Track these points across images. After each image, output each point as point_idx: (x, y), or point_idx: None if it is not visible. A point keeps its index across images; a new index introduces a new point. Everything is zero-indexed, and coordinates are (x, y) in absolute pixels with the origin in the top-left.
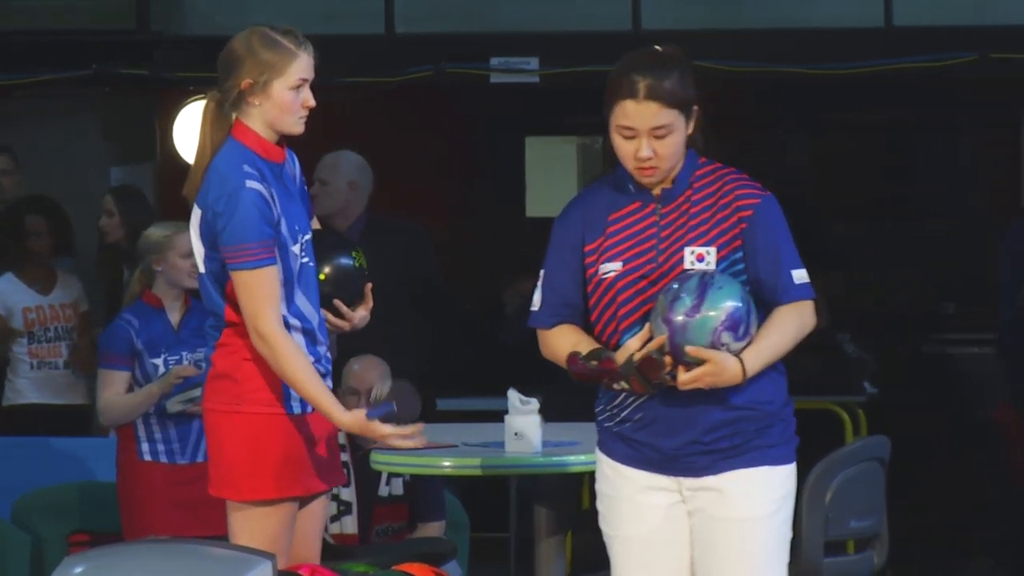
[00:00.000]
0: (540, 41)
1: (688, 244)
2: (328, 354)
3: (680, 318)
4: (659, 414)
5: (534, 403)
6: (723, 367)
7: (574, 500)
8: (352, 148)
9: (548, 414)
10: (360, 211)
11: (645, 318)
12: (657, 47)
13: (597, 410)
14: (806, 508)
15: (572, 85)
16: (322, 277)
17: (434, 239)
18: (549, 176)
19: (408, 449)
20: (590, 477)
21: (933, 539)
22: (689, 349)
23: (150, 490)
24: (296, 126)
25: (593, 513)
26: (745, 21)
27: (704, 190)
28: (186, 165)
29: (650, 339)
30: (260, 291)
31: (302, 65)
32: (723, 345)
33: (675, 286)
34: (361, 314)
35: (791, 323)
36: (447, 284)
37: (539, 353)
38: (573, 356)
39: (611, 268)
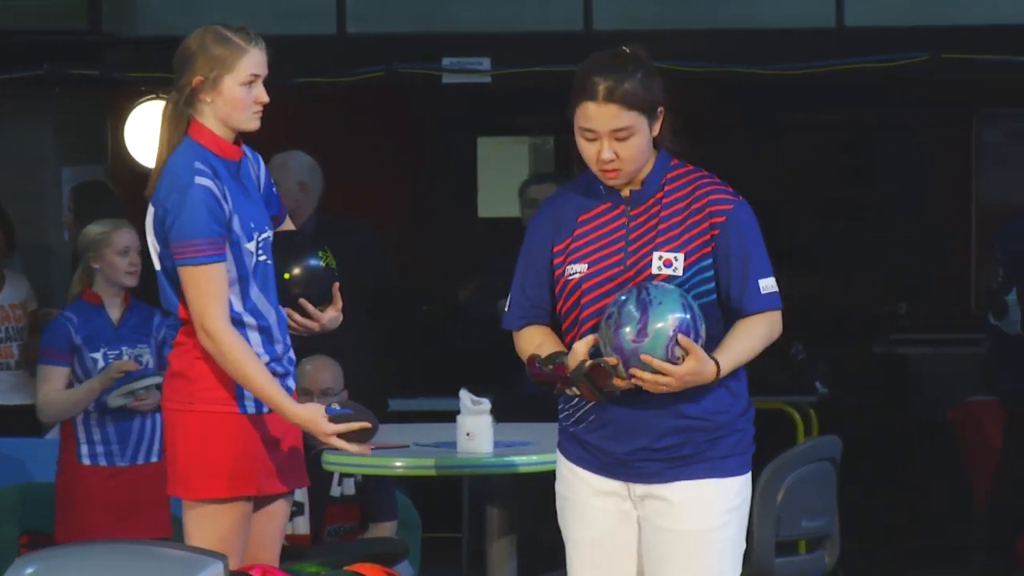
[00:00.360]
0: (492, 41)
1: (656, 248)
2: (291, 354)
3: (629, 345)
4: (611, 418)
5: (486, 403)
6: (701, 367)
7: (530, 499)
8: (303, 148)
9: (500, 414)
10: (310, 212)
11: None
12: (625, 48)
13: (559, 408)
14: (758, 508)
15: (524, 85)
16: (287, 277)
17: (386, 240)
18: (501, 176)
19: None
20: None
21: (885, 539)
22: (652, 361)
23: (86, 494)
24: (249, 122)
25: (543, 514)
26: (698, 21)
27: (676, 193)
28: (138, 166)
29: (597, 346)
30: (207, 287)
31: (252, 61)
32: (678, 358)
33: (613, 311)
34: (330, 315)
35: (760, 330)
36: (400, 285)
37: (492, 353)
38: (532, 359)
39: (577, 269)
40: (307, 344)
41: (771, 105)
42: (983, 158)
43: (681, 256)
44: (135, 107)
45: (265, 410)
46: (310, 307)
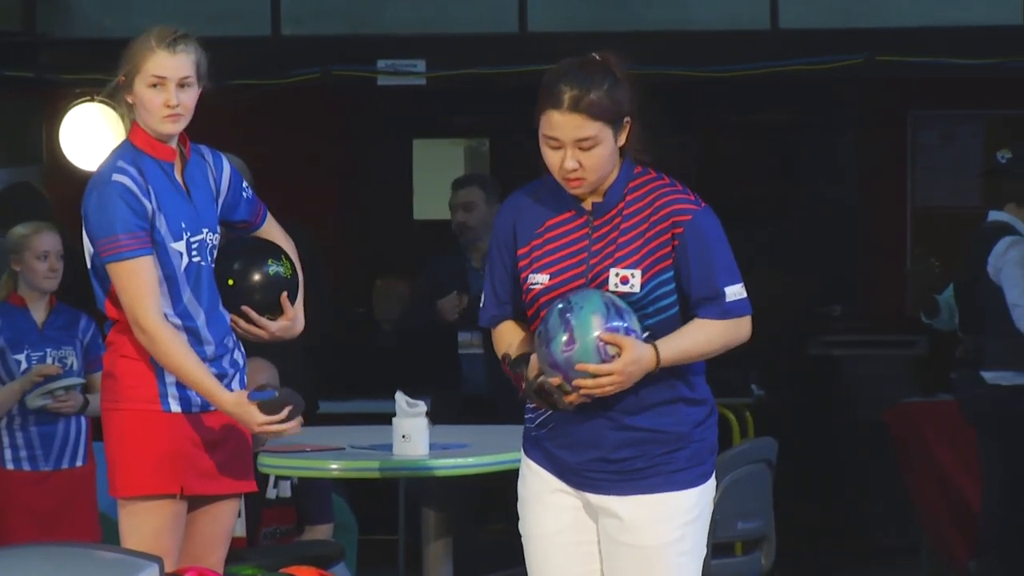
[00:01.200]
0: (427, 43)
1: (614, 265)
2: (234, 357)
3: (562, 357)
4: (568, 427)
5: (421, 405)
6: (638, 353)
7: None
8: (238, 151)
9: (436, 416)
10: None
11: None
12: (595, 55)
13: (525, 409)
14: None
15: (459, 87)
16: (230, 283)
17: (321, 243)
18: (437, 179)
19: (292, 452)
20: (478, 480)
21: (820, 540)
22: (588, 367)
23: (11, 499)
24: (160, 125)
25: (481, 516)
26: (632, 23)
27: (637, 203)
28: (73, 168)
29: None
30: (135, 281)
31: (158, 63)
32: (612, 356)
33: (542, 328)
34: (281, 324)
35: (715, 329)
36: (335, 288)
37: (424, 355)
38: (503, 358)
39: (539, 280)
40: (245, 347)
41: (701, 106)
42: (918, 160)
43: (638, 272)
44: (70, 109)
45: (194, 410)
46: (253, 314)
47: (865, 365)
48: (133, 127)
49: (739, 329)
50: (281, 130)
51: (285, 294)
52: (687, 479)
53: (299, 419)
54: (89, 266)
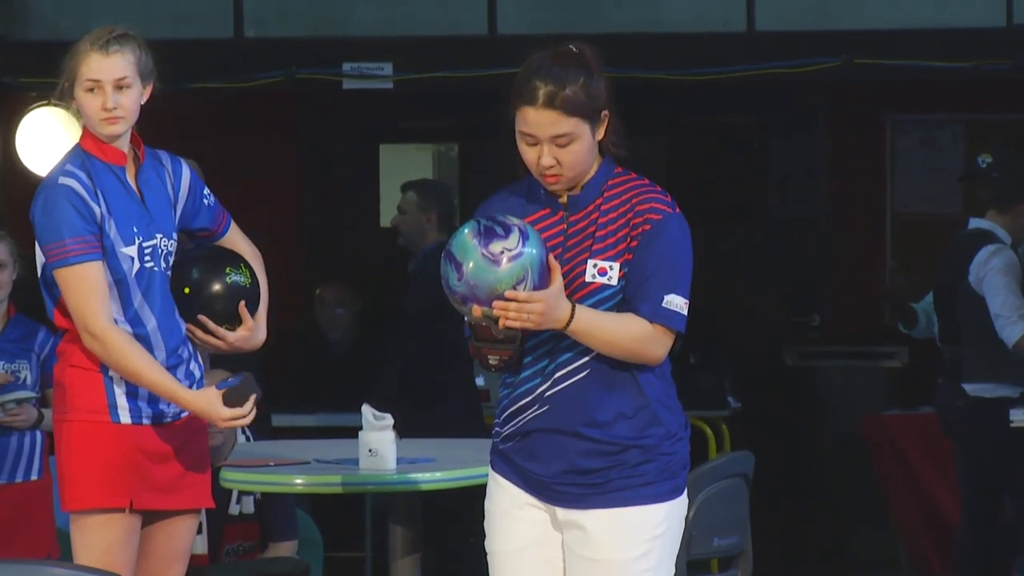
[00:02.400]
0: (394, 46)
1: (592, 256)
2: (191, 367)
3: (463, 285)
4: (534, 440)
5: (388, 419)
6: (559, 293)
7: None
8: (198, 156)
9: (403, 430)
10: None
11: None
12: (571, 47)
13: (495, 424)
14: None
15: (427, 91)
16: (186, 291)
17: (285, 251)
18: None
19: (255, 466)
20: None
21: (798, 554)
22: (509, 293)
23: None
24: (100, 128)
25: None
26: (603, 25)
27: (614, 200)
28: (29, 174)
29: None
30: (82, 287)
31: (92, 66)
32: (501, 251)
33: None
34: (239, 334)
35: (640, 329)
36: (297, 297)
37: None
38: (468, 340)
39: None
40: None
41: (671, 110)
42: (897, 165)
43: (616, 265)
44: (26, 113)
45: (145, 421)
46: (210, 324)
47: (843, 376)
48: (83, 131)
49: (659, 340)
50: (243, 135)
51: (243, 303)
52: (655, 493)
53: (253, 397)
54: (39, 275)
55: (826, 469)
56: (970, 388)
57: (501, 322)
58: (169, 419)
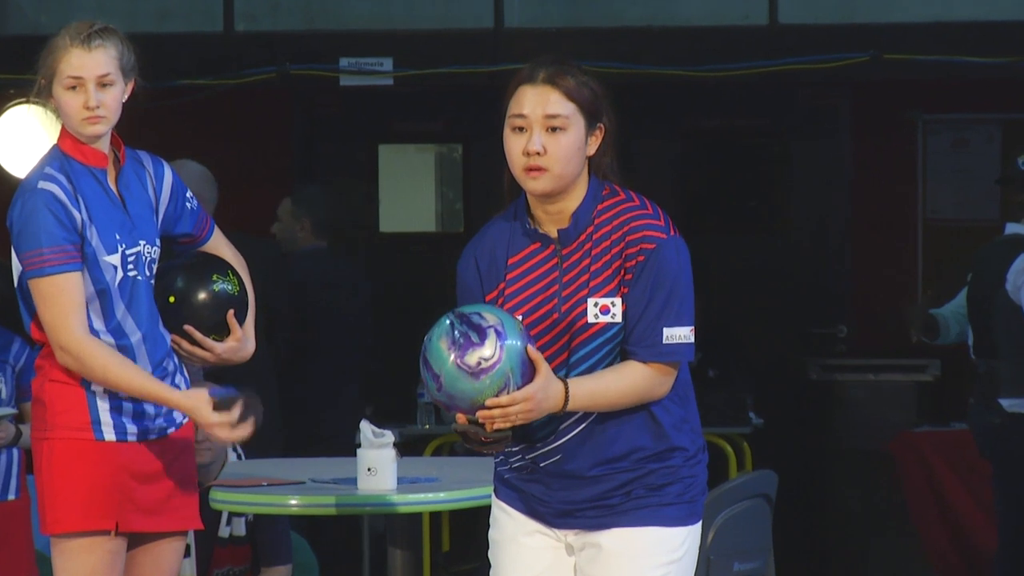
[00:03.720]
0: (394, 40)
1: (591, 294)
2: (177, 380)
3: (442, 395)
4: (545, 477)
5: (389, 435)
6: (547, 383)
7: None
8: (187, 155)
9: (405, 448)
10: None
11: None
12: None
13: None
14: None
15: (430, 88)
16: (171, 300)
17: (279, 258)
18: (405, 188)
19: (247, 486)
20: (451, 516)
21: None
22: (490, 402)
23: None
24: (81, 128)
25: (452, 556)
26: (616, 18)
27: (605, 227)
28: (7, 175)
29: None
30: (57, 299)
31: (72, 62)
32: (477, 363)
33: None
34: (228, 345)
35: (641, 377)
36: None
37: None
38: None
39: None
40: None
41: (687, 109)
42: (929, 168)
43: (618, 301)
44: (4, 111)
45: (131, 439)
46: (197, 334)
47: (870, 391)
48: (61, 131)
49: (663, 378)
50: (234, 134)
51: (232, 312)
52: (675, 515)
53: (250, 422)
54: (15, 284)
55: (852, 489)
56: (1007, 404)
57: (488, 426)
58: (155, 436)
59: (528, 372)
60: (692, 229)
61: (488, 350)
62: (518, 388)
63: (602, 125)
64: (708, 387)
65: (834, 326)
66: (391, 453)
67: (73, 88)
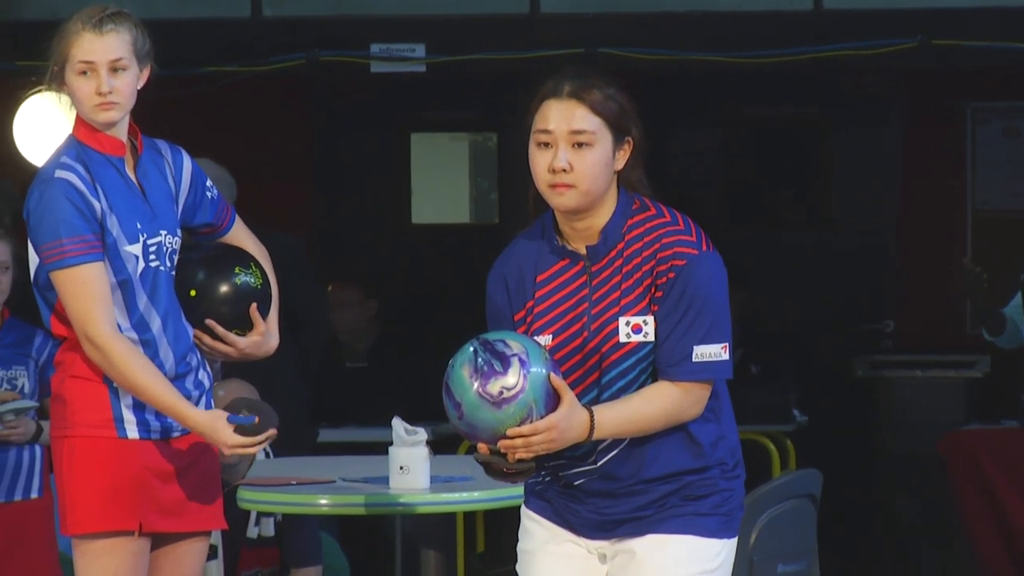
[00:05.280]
0: (426, 26)
1: (622, 313)
2: (199, 377)
3: (464, 427)
4: (581, 494)
5: (422, 433)
6: (571, 413)
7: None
8: (211, 145)
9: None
10: None
11: (577, 395)
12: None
13: None
14: None
15: (463, 75)
16: (192, 294)
17: (307, 251)
18: (438, 178)
19: (276, 485)
20: (485, 516)
21: None
22: (512, 432)
23: None
24: (94, 115)
25: (487, 558)
26: (655, 3)
27: (636, 244)
28: (28, 165)
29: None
30: (82, 291)
31: (84, 46)
32: (500, 393)
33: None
34: (252, 339)
35: (665, 399)
36: (319, 303)
37: (426, 380)
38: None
39: (542, 342)
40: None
41: (728, 98)
42: (979, 158)
43: (650, 319)
44: (24, 99)
45: (154, 436)
46: (219, 329)
47: (918, 388)
48: (76, 119)
49: (694, 397)
50: (261, 123)
51: (255, 306)
52: (711, 526)
53: (270, 432)
54: (32, 277)
55: (900, 489)
56: None
57: (510, 456)
58: (178, 434)
59: (552, 401)
60: (735, 222)
61: (511, 379)
62: (541, 418)
63: (630, 139)
64: (751, 384)
65: (880, 321)
66: (424, 451)
67: (84, 73)
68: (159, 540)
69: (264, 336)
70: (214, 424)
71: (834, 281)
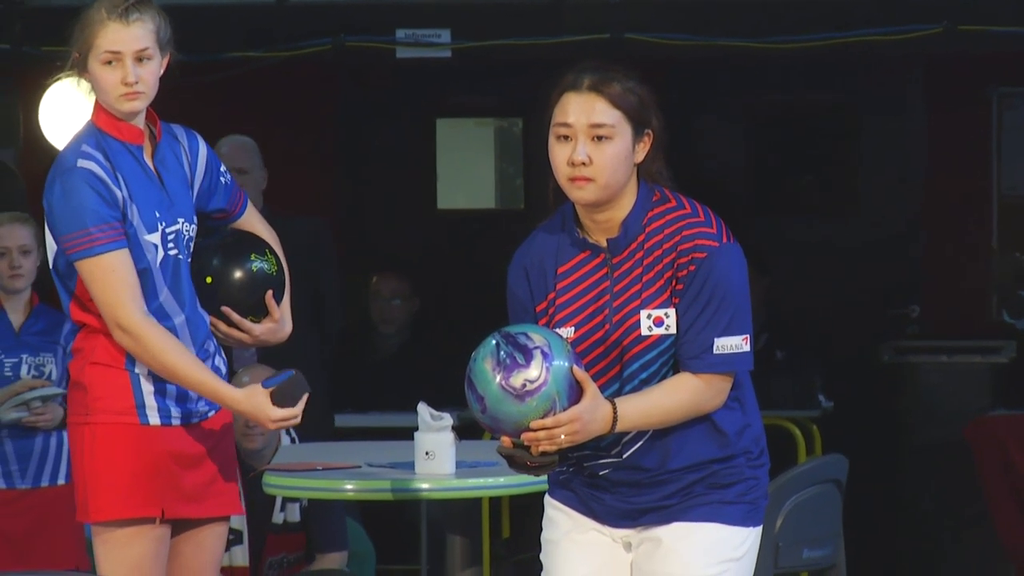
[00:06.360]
0: (452, 11)
1: (643, 306)
2: (216, 363)
3: (487, 420)
4: (605, 484)
5: (447, 418)
6: (594, 405)
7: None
8: (237, 130)
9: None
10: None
11: (600, 388)
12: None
13: None
14: None
15: (489, 61)
16: (208, 281)
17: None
18: (463, 163)
19: (301, 471)
20: (511, 501)
21: (895, 570)
22: (535, 424)
23: None
24: (119, 104)
25: (513, 543)
26: None
27: (656, 236)
28: (54, 151)
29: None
30: (110, 279)
31: (110, 36)
32: (523, 385)
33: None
34: (266, 326)
35: (686, 391)
36: (342, 288)
37: (451, 365)
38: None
39: (563, 335)
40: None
41: (751, 84)
42: (1005, 144)
43: (671, 311)
44: (50, 85)
45: (174, 423)
46: (235, 316)
47: (944, 373)
48: (95, 107)
49: (715, 389)
50: (286, 109)
51: (270, 292)
52: (737, 514)
53: (306, 395)
54: (51, 265)
55: (925, 474)
56: None
57: (534, 449)
58: (197, 419)
59: (575, 394)
60: (760, 208)
61: (534, 371)
62: (564, 410)
63: (650, 131)
64: (776, 370)
65: (906, 306)
66: (450, 436)
67: (110, 63)
68: (179, 526)
69: (279, 323)
70: (253, 400)
71: (860, 267)
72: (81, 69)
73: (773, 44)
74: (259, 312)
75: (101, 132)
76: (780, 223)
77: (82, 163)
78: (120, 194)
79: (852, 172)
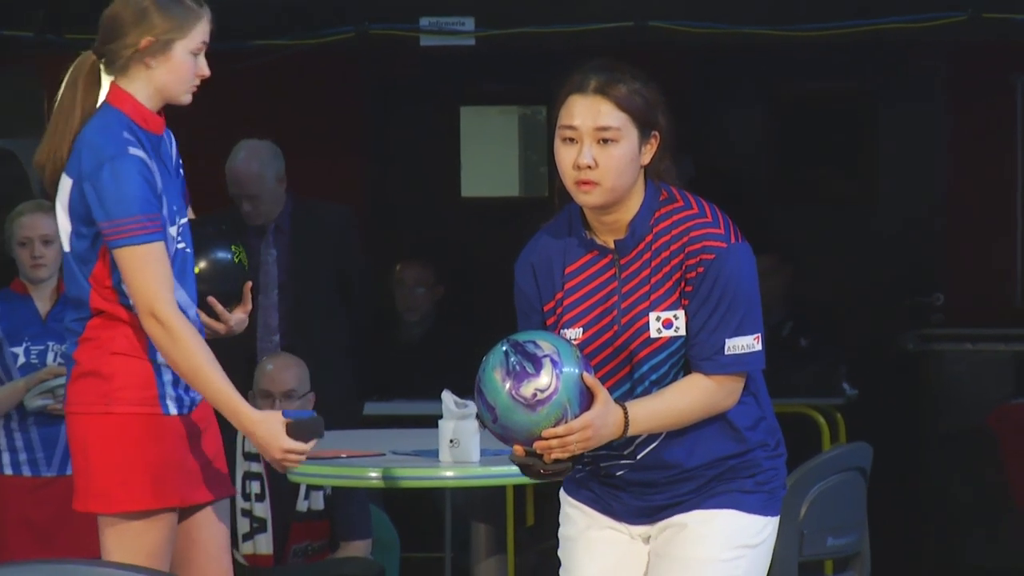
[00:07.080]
0: None
1: (652, 308)
2: None
3: (499, 430)
4: (621, 484)
5: (472, 406)
6: (606, 410)
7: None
8: (263, 118)
9: None
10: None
11: (609, 389)
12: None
13: None
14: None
15: (513, 48)
16: (197, 271)
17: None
18: (487, 151)
19: (326, 459)
20: (535, 489)
21: (918, 558)
22: (547, 432)
23: (7, 508)
24: (186, 96)
25: (537, 531)
26: None
27: (664, 237)
28: None
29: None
30: (153, 269)
31: (204, 28)
32: (533, 395)
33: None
34: (238, 316)
35: (698, 393)
36: (371, 275)
37: (475, 353)
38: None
39: (571, 336)
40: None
41: (771, 73)
42: None
43: (680, 313)
44: None
45: (186, 411)
46: (219, 306)
47: (969, 361)
48: (115, 91)
49: (727, 389)
50: (310, 98)
51: (249, 284)
52: (754, 503)
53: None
54: (67, 248)
55: (949, 462)
56: None
57: (546, 457)
58: (198, 404)
59: (586, 400)
60: (783, 196)
61: (544, 380)
62: (576, 417)
63: (657, 132)
64: (800, 358)
65: (930, 294)
66: (474, 424)
67: (196, 53)
68: (186, 512)
69: (246, 313)
70: (269, 425)
71: (883, 255)
72: (155, 53)
73: (797, 32)
74: (233, 301)
75: (128, 119)
76: (804, 211)
77: (133, 151)
78: (159, 186)
79: (875, 160)
